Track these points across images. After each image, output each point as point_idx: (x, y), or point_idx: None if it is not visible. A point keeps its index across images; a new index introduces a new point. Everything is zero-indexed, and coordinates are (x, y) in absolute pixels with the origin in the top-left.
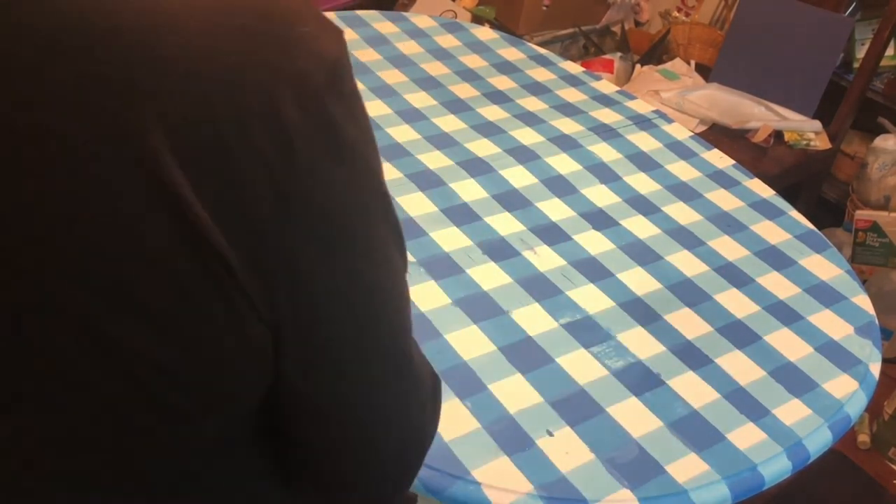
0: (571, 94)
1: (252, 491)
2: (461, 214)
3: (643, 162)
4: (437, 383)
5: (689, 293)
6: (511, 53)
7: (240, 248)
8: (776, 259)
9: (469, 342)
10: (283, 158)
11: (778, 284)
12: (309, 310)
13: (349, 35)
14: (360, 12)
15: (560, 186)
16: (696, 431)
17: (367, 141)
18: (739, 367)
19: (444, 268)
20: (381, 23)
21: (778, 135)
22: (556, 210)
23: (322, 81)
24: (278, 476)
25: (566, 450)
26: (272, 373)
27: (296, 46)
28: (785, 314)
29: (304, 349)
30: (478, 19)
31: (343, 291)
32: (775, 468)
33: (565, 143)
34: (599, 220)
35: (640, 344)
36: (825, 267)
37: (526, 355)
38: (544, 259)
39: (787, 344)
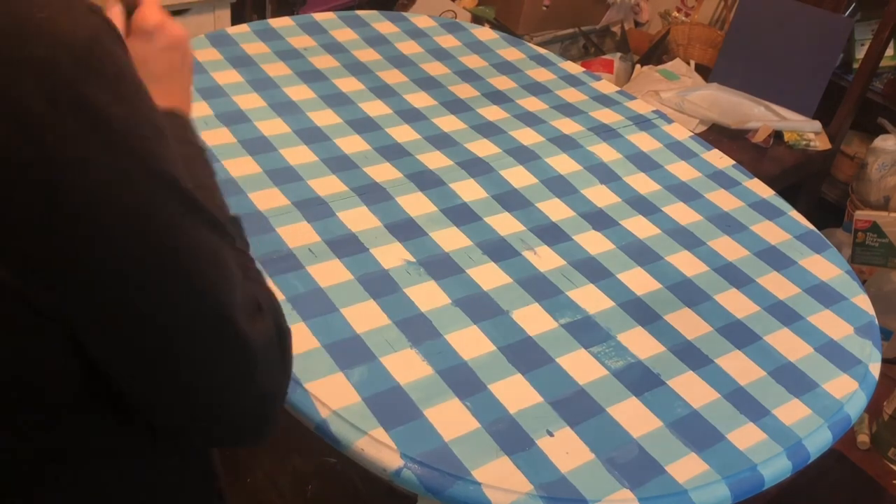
0: (571, 95)
1: (122, 462)
2: (461, 214)
3: (643, 162)
4: (283, 336)
5: (689, 293)
6: (511, 54)
7: (6, 254)
8: (776, 259)
9: (469, 342)
10: (38, 156)
11: (778, 284)
12: (94, 297)
13: (349, 35)
14: (360, 12)
15: (560, 187)
16: (696, 431)
17: (139, 121)
18: (739, 367)
19: (444, 268)
20: (380, 23)
21: (778, 135)
22: (556, 210)
23: (70, 66)
24: (144, 447)
25: (566, 450)
26: (75, 361)
27: (33, 34)
28: (785, 314)
29: (104, 336)
30: (478, 19)
31: (126, 273)
32: (775, 468)
33: (565, 144)
34: (599, 220)
35: (640, 344)
36: (825, 267)
37: (526, 355)
38: (544, 259)
39: (787, 344)
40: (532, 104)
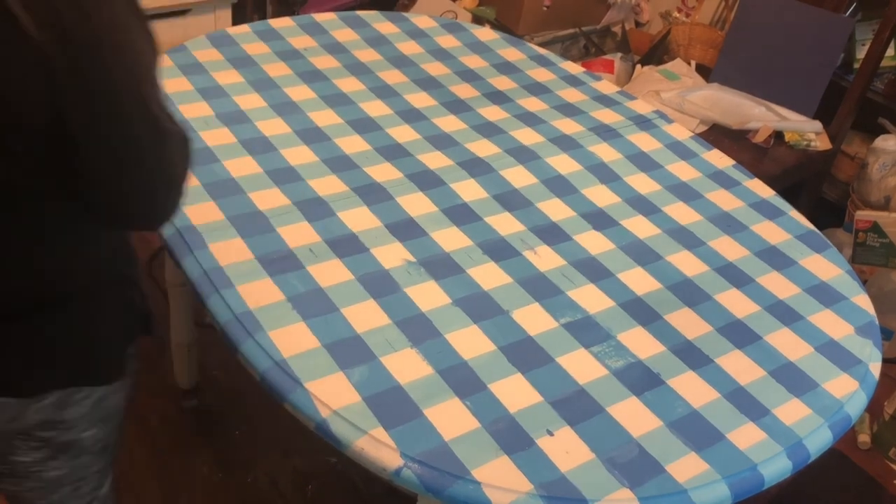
0: (572, 95)
1: (63, 229)
2: (461, 215)
3: (643, 162)
4: (187, 141)
5: (689, 293)
6: (511, 54)
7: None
8: (776, 259)
9: (469, 342)
10: None
11: (778, 284)
12: (74, 52)
13: (349, 35)
14: (360, 12)
15: (560, 187)
16: (696, 431)
17: None
18: (739, 366)
19: (444, 268)
20: (381, 23)
21: (778, 135)
22: (556, 210)
23: None
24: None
25: (566, 449)
26: (49, 102)
27: None
28: (785, 314)
29: (70, 83)
30: (478, 20)
31: (97, 44)
32: (775, 468)
33: (565, 144)
34: (600, 220)
35: (640, 344)
36: (825, 267)
37: (526, 355)
38: (544, 259)
39: (788, 344)
40: (532, 104)
